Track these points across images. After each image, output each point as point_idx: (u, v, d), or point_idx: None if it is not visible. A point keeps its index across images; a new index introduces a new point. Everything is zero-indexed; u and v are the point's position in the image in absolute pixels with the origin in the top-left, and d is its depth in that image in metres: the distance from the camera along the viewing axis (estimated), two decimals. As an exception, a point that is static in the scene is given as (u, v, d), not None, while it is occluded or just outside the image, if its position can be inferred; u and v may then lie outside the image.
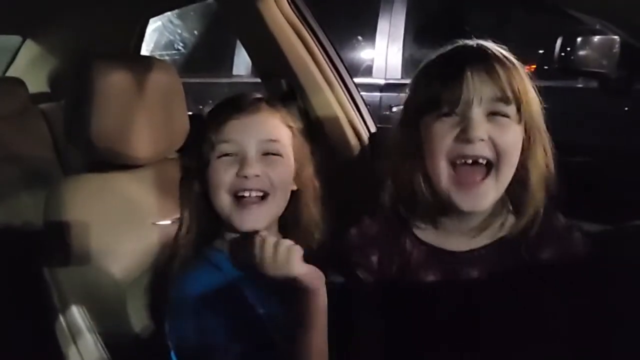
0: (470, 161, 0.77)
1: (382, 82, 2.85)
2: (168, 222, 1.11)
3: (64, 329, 1.01)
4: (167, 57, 4.06)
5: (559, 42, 1.88)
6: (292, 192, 0.95)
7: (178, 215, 1.04)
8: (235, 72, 3.59)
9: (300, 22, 1.51)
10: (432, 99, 0.78)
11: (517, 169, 0.79)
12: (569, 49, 1.85)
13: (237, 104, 0.92)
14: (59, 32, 2.04)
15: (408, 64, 2.81)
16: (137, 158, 1.15)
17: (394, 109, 2.68)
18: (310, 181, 0.97)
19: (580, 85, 2.16)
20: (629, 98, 1.95)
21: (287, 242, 0.80)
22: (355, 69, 2.83)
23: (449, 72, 0.77)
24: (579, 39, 1.80)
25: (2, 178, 1.73)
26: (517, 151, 0.78)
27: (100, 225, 1.06)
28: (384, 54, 2.89)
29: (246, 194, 0.88)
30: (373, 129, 1.54)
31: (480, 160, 0.77)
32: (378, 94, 2.81)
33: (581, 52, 1.83)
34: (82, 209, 1.08)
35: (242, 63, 3.50)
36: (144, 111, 1.13)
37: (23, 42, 2.21)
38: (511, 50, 0.82)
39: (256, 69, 1.81)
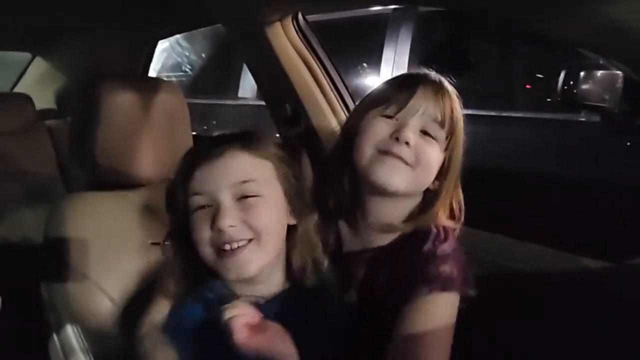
0: (394, 153, 0.87)
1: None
2: (167, 242, 1.11)
3: (58, 348, 1.00)
4: (174, 79, 4.10)
5: (562, 75, 1.90)
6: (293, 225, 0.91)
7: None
8: (240, 94, 3.62)
9: (307, 48, 1.53)
10: (383, 98, 0.90)
11: (432, 182, 0.91)
12: (571, 82, 1.87)
13: (204, 150, 0.87)
14: (67, 51, 2.07)
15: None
16: (140, 178, 1.16)
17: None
18: (307, 210, 0.92)
19: (582, 119, 2.17)
20: (632, 133, 1.96)
21: (229, 312, 0.77)
22: (360, 96, 2.84)
23: (404, 84, 0.90)
24: (582, 73, 1.82)
25: (6, 193, 1.74)
26: (435, 169, 0.89)
27: (100, 244, 1.06)
28: (389, 81, 2.91)
29: (226, 247, 0.83)
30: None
31: (403, 160, 0.87)
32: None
33: (584, 86, 1.85)
34: (82, 227, 1.08)
35: (247, 86, 3.53)
36: (148, 131, 1.14)
37: (32, 59, 2.24)
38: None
39: (261, 93, 1.83)
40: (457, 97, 0.93)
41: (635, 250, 0.89)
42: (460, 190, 0.95)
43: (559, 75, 1.92)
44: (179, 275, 0.90)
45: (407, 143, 0.86)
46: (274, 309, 0.86)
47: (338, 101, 1.53)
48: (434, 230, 0.89)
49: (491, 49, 2.67)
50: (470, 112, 2.85)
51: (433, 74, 0.93)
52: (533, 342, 0.96)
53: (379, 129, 0.88)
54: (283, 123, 1.60)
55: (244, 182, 0.84)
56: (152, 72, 3.69)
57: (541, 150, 2.17)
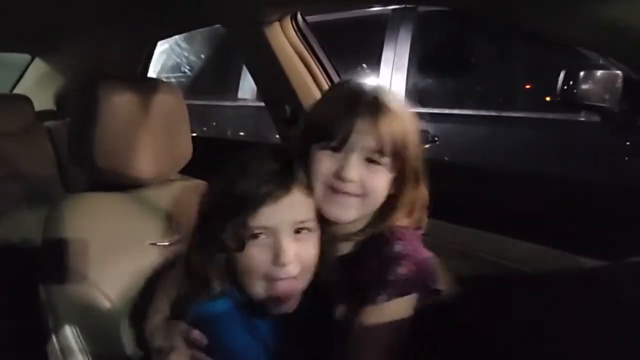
0: (341, 190, 0.89)
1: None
2: (166, 243, 1.10)
3: (56, 349, 1.00)
4: (173, 80, 4.10)
5: (561, 75, 1.91)
6: None
7: (177, 237, 1.03)
8: (240, 95, 3.62)
9: (306, 49, 1.53)
10: (323, 134, 0.89)
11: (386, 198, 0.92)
12: (571, 82, 1.87)
13: (269, 185, 0.86)
14: (67, 52, 2.07)
15: (412, 92, 2.83)
16: (139, 179, 1.16)
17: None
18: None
19: (582, 119, 2.17)
20: (632, 132, 1.96)
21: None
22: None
23: (342, 115, 0.88)
24: (581, 73, 1.83)
25: (5, 194, 1.74)
26: (384, 191, 0.91)
27: (99, 244, 1.06)
28: (388, 82, 2.91)
29: (282, 283, 0.86)
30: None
31: (350, 194, 0.89)
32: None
33: (584, 86, 1.85)
34: (81, 228, 1.08)
35: (247, 87, 3.53)
36: (147, 132, 1.13)
37: (32, 60, 2.24)
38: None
39: (261, 94, 1.83)
40: (399, 111, 0.91)
41: (634, 249, 0.89)
42: (422, 191, 0.95)
43: (558, 75, 1.93)
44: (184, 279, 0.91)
45: (352, 181, 0.88)
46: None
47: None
48: (389, 234, 0.90)
49: (491, 49, 2.67)
50: (470, 112, 2.86)
51: (369, 96, 0.90)
52: (531, 342, 0.96)
53: (323, 166, 0.89)
54: (282, 124, 1.60)
55: (303, 220, 0.88)
56: (152, 74, 3.70)
57: (541, 150, 2.17)
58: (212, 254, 0.88)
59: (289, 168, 0.89)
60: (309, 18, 1.57)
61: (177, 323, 0.87)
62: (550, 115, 2.33)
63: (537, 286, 1.07)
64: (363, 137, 0.87)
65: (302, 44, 1.53)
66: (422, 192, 0.95)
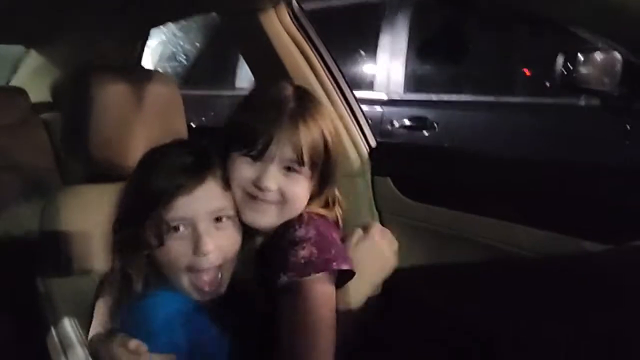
0: (259, 197, 0.90)
1: (383, 97, 2.86)
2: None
3: (55, 341, 0.99)
4: (169, 69, 4.08)
5: (560, 59, 1.89)
6: None
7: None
8: (238, 84, 3.60)
9: (302, 36, 1.51)
10: (242, 143, 0.90)
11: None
12: (570, 66, 1.85)
13: (181, 176, 0.88)
14: (61, 42, 2.05)
15: (410, 79, 2.81)
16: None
17: (395, 125, 2.69)
18: None
19: (581, 103, 2.16)
20: (631, 116, 1.95)
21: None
22: (357, 84, 2.84)
23: (262, 124, 0.89)
24: (580, 57, 1.81)
25: (2, 186, 1.73)
26: (304, 199, 0.93)
27: (96, 236, 1.05)
28: (386, 69, 2.89)
29: (205, 273, 0.87)
30: (373, 144, 1.53)
31: (269, 202, 0.91)
32: (380, 108, 2.82)
33: (582, 70, 1.83)
34: (78, 220, 1.08)
35: (245, 76, 3.51)
36: (142, 123, 1.13)
37: (26, 52, 2.22)
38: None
39: (257, 82, 1.82)
40: (321, 119, 0.92)
41: (635, 233, 0.89)
42: (334, 187, 0.98)
43: (556, 60, 1.91)
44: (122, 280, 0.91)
45: (270, 191, 0.89)
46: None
47: (335, 89, 1.51)
48: (296, 219, 0.91)
49: (489, 35, 2.65)
50: (468, 98, 2.85)
51: (289, 105, 0.91)
52: (533, 326, 0.96)
53: (242, 173, 0.90)
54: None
55: (221, 209, 0.89)
56: (148, 64, 3.68)
57: (540, 135, 2.17)
58: (134, 253, 0.88)
59: (202, 160, 0.90)
60: (305, 5, 1.55)
61: (115, 335, 0.87)
62: (549, 100, 2.32)
63: (541, 271, 1.07)
64: (282, 148, 0.88)
65: (298, 31, 1.51)
66: (335, 192, 0.99)
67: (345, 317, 0.90)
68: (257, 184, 0.89)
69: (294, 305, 0.83)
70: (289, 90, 0.94)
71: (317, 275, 0.84)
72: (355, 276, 0.91)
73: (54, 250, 1.04)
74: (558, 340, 0.82)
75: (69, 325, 1.00)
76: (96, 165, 1.13)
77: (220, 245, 0.88)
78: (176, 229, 0.86)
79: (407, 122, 2.66)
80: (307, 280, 0.84)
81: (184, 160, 0.88)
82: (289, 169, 0.90)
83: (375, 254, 1.00)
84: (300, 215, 0.92)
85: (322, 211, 0.96)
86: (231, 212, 0.90)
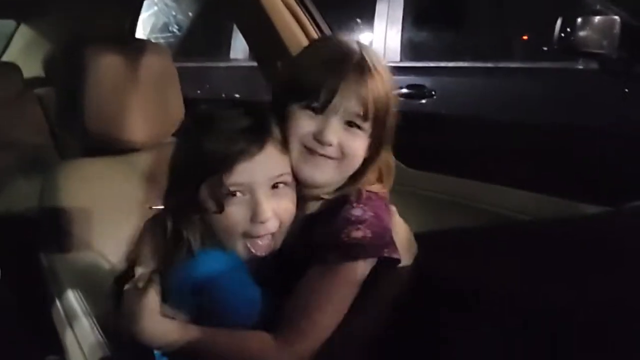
0: (319, 152, 0.87)
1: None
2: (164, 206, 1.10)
3: (61, 313, 1.01)
4: (162, 40, 4.02)
5: (558, 23, 1.87)
6: None
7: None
8: (232, 55, 3.56)
9: (297, 4, 1.49)
10: (304, 93, 0.87)
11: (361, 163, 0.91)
12: (568, 29, 1.83)
13: (241, 142, 0.85)
14: (52, 16, 2.02)
15: (407, 47, 2.78)
16: (132, 143, 1.14)
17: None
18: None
19: (580, 67, 2.14)
20: (630, 79, 1.94)
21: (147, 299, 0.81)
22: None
23: (324, 75, 0.85)
24: (578, 20, 1.79)
25: (-1, 163, 1.73)
26: (361, 156, 0.89)
27: (97, 210, 1.06)
28: (383, 36, 2.86)
29: (261, 240, 0.86)
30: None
31: (328, 157, 0.88)
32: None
33: (581, 33, 1.81)
34: (78, 194, 1.08)
35: (239, 46, 3.46)
36: (137, 95, 1.12)
37: (17, 27, 2.19)
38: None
39: (253, 53, 1.80)
40: (385, 73, 0.89)
41: (632, 194, 0.90)
42: (390, 155, 0.95)
43: (555, 24, 1.89)
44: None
45: (330, 145, 0.86)
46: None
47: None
48: (354, 197, 0.89)
49: (486, 0, 2.62)
50: (466, 64, 2.82)
51: (355, 57, 0.87)
52: (533, 290, 0.97)
53: (302, 126, 0.87)
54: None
55: (280, 174, 0.87)
56: (141, 35, 3.62)
57: (539, 100, 2.16)
58: (189, 215, 0.87)
59: (261, 124, 0.87)
60: (299, -28, 1.53)
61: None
62: (547, 65, 2.30)
63: (539, 234, 1.08)
64: (346, 101, 0.85)
65: (293, -1, 1.49)
66: (391, 158, 0.95)
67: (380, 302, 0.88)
68: (318, 137, 0.86)
69: (330, 280, 0.81)
70: (354, 44, 0.90)
71: (365, 259, 0.83)
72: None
73: (55, 225, 1.05)
74: (557, 304, 0.83)
75: (73, 297, 1.01)
76: (92, 139, 1.12)
77: (277, 212, 0.86)
78: (234, 194, 0.85)
79: (404, 90, 2.65)
80: (354, 263, 0.82)
81: (243, 124, 0.86)
82: (350, 124, 0.87)
83: (404, 236, 0.96)
84: (359, 192, 0.90)
85: (378, 188, 0.93)
86: (289, 179, 0.88)
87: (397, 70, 2.77)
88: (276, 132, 0.87)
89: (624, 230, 0.88)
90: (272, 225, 0.85)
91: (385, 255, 0.83)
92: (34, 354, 1.17)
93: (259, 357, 0.80)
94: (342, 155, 0.87)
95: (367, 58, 0.87)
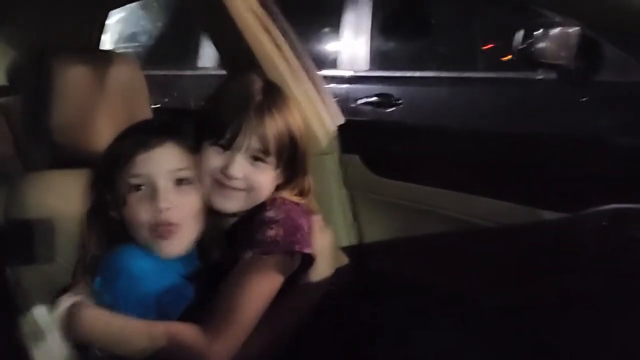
0: (226, 185, 0.97)
1: (348, 74, 2.86)
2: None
3: (29, 326, 0.98)
4: (130, 50, 3.97)
5: (519, 34, 1.93)
6: None
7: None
8: (200, 64, 3.54)
9: (265, 13, 1.50)
10: (212, 132, 0.96)
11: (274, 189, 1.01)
12: (528, 41, 1.90)
13: (141, 137, 0.95)
14: (17, 24, 1.97)
15: (375, 55, 2.82)
16: (99, 154, 1.13)
17: (360, 102, 2.70)
18: None
19: (539, 77, 2.21)
20: (586, 89, 2.01)
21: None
22: (321, 61, 2.83)
23: (232, 116, 0.95)
24: (538, 32, 1.86)
25: (-41, 175, 1.68)
26: (269, 187, 1.00)
27: (63, 222, 1.04)
28: (351, 46, 2.89)
29: (164, 228, 0.92)
30: (340, 122, 1.54)
31: (235, 189, 0.97)
32: (344, 86, 2.82)
33: (541, 44, 1.88)
34: (43, 206, 1.06)
35: (207, 55, 3.45)
36: (105, 106, 1.11)
37: (-22, 33, 2.13)
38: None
39: (222, 62, 1.80)
40: (288, 112, 0.99)
41: (590, 201, 0.93)
42: (309, 179, 1.05)
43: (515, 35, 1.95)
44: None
45: (236, 179, 0.96)
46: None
47: (300, 67, 1.51)
48: (268, 202, 0.99)
49: (451, 11, 2.68)
50: (432, 74, 2.88)
51: (257, 97, 0.97)
52: (498, 291, 1.00)
53: (212, 161, 0.97)
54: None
55: (180, 169, 0.94)
56: (109, 44, 3.57)
57: (500, 109, 2.22)
58: (105, 213, 0.96)
59: (169, 123, 0.97)
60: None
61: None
62: (508, 75, 2.37)
63: (501, 240, 1.11)
64: (248, 139, 0.95)
65: (261, 8, 1.49)
66: (309, 182, 1.06)
67: (305, 298, 0.99)
68: (224, 171, 0.95)
69: (249, 275, 0.89)
70: (257, 84, 1.00)
71: (280, 255, 0.92)
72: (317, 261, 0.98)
73: (20, 238, 1.03)
74: (520, 303, 0.86)
75: (40, 310, 0.99)
76: (59, 151, 1.11)
77: (178, 204, 0.92)
78: (137, 188, 0.92)
79: (372, 99, 2.68)
80: (269, 258, 0.91)
81: (148, 126, 0.96)
82: (255, 158, 0.97)
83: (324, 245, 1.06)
84: (274, 199, 0.99)
85: (295, 198, 1.02)
86: (190, 175, 0.95)
87: (365, 79, 2.81)
88: (179, 134, 0.97)
89: (582, 236, 0.91)
90: (173, 215, 0.92)
91: (297, 250, 0.93)
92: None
93: (190, 348, 0.85)
94: (249, 187, 0.97)
95: (268, 99, 0.98)
